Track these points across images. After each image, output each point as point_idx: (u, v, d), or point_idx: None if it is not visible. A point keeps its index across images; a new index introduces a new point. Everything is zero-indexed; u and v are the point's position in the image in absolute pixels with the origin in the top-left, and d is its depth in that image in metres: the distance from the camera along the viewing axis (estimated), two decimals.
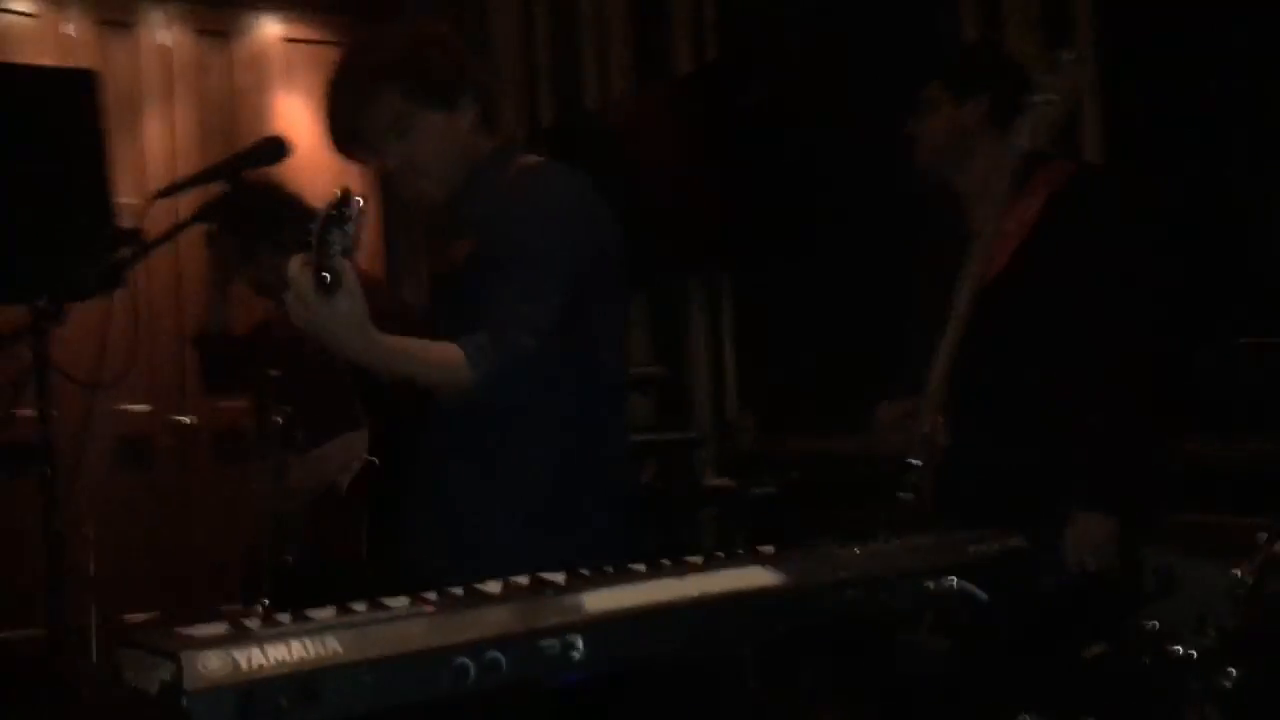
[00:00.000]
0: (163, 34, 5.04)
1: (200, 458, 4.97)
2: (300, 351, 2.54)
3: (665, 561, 1.20)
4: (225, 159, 2.06)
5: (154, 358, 4.67)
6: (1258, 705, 1.72)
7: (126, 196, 3.54)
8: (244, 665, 0.90)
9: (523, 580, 1.12)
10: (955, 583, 1.27)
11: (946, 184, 2.45)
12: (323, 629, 0.95)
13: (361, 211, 1.40)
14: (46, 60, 4.63)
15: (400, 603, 1.03)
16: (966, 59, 2.62)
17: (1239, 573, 1.78)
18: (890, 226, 3.27)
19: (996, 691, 2.02)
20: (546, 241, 1.90)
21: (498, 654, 1.00)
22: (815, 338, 3.98)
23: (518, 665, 1.01)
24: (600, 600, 1.08)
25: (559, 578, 1.13)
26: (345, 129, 1.99)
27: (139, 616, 4.51)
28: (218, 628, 0.95)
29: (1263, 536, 1.81)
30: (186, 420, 4.89)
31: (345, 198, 1.40)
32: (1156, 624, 1.82)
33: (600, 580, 1.13)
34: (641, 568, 1.17)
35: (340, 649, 0.94)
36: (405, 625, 0.99)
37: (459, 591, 1.08)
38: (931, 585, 1.28)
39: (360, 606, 1.02)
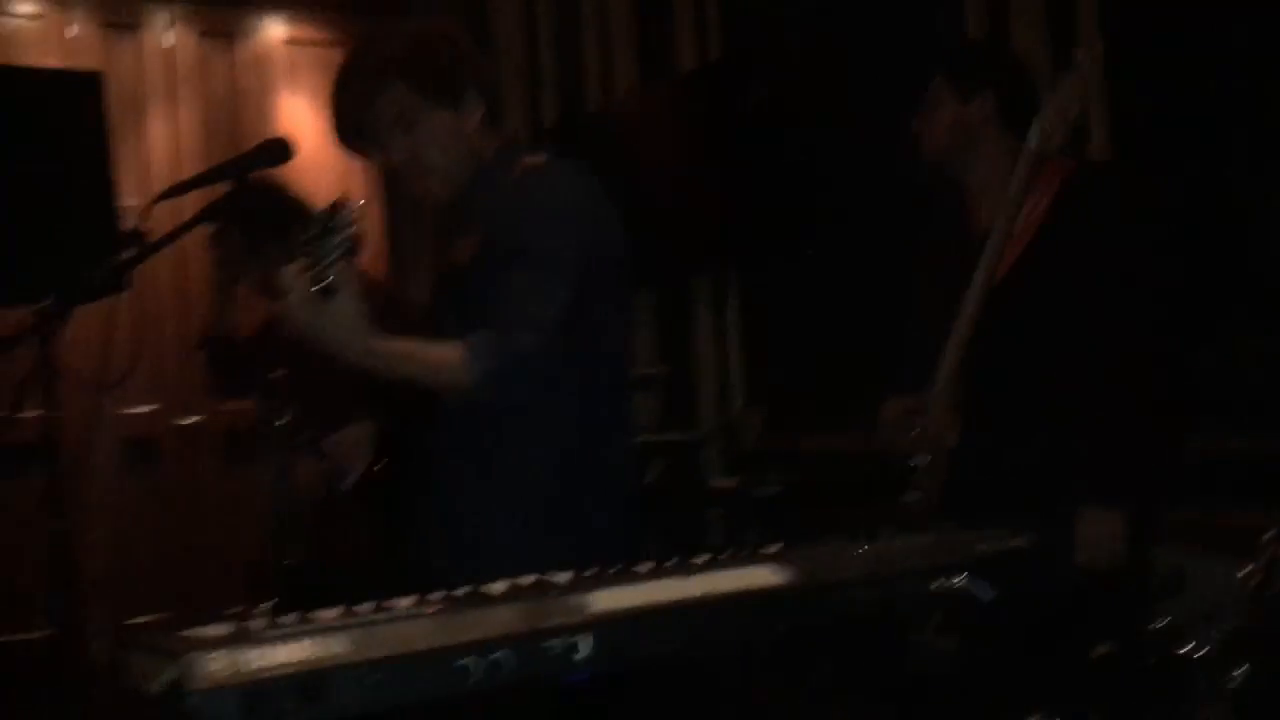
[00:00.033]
0: (166, 35, 5.04)
1: (206, 459, 4.97)
2: (305, 351, 2.54)
3: (669, 561, 1.19)
4: (229, 160, 2.06)
5: (159, 359, 4.67)
6: (1265, 704, 1.72)
7: (130, 198, 3.53)
8: (248, 666, 0.90)
9: (527, 581, 1.12)
10: (961, 581, 1.27)
11: (950, 181, 2.44)
12: (327, 629, 0.95)
13: (357, 218, 1.41)
14: (50, 62, 4.63)
15: (405, 603, 1.03)
16: (973, 56, 2.61)
17: (1245, 572, 1.78)
18: (893, 225, 3.27)
19: (1003, 691, 2.01)
20: (550, 241, 1.90)
21: (502, 654, 1.00)
22: (819, 336, 3.98)
23: (522, 665, 1.01)
24: (604, 600, 1.08)
25: (563, 578, 1.13)
26: (351, 122, 2.00)
27: (144, 618, 4.51)
28: (222, 629, 0.95)
29: (1269, 535, 1.81)
30: (192, 421, 4.89)
31: (339, 204, 1.41)
32: (1163, 623, 1.82)
33: (604, 580, 1.13)
34: (645, 568, 1.17)
35: (345, 649, 0.94)
36: (410, 626, 0.99)
37: (463, 592, 1.08)
38: (937, 584, 1.28)
39: (364, 607, 1.02)
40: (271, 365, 2.97)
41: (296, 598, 1.21)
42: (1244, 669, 1.70)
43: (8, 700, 3.77)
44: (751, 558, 1.22)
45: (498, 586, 1.10)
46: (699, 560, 1.20)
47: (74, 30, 4.82)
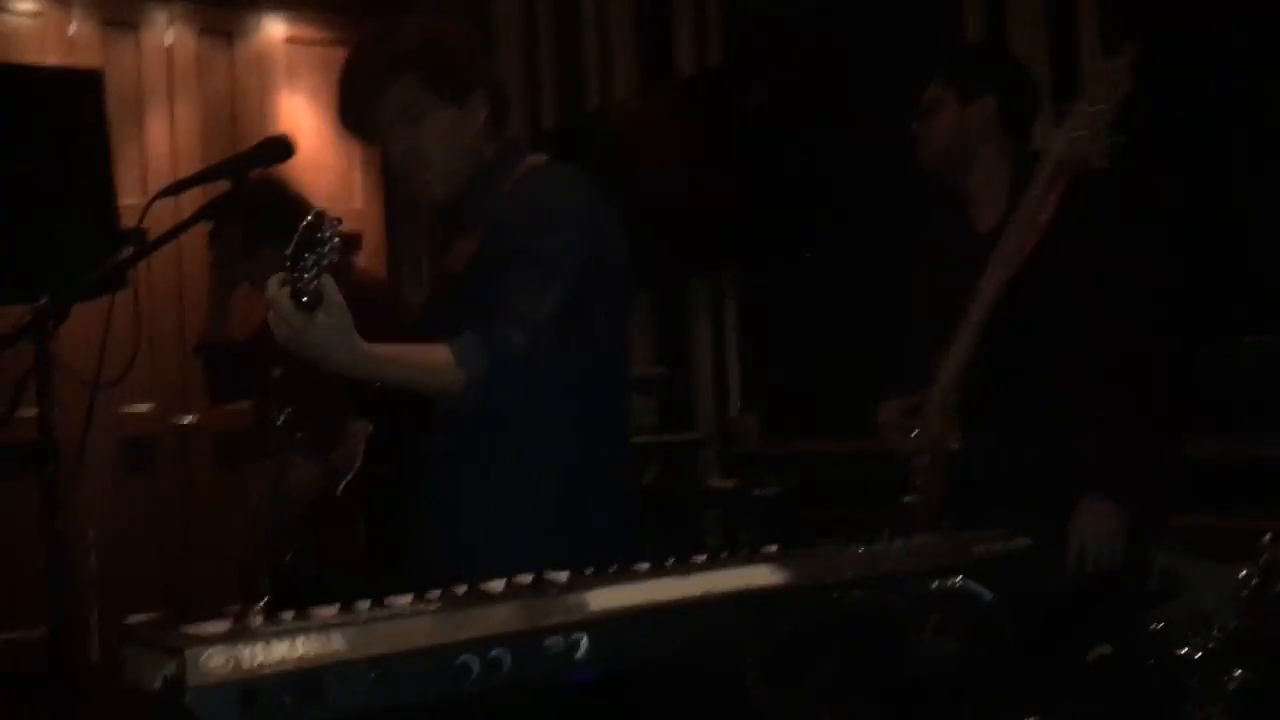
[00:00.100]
0: (166, 34, 5.04)
1: (203, 458, 4.97)
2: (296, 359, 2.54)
3: (669, 560, 1.19)
4: (229, 158, 2.06)
5: (156, 358, 4.66)
6: (1262, 706, 1.72)
7: (129, 197, 3.53)
8: (247, 662, 0.90)
9: (526, 579, 1.12)
10: (960, 583, 1.27)
11: (949, 184, 2.44)
12: (326, 626, 0.95)
13: (337, 231, 1.43)
14: (50, 60, 4.63)
15: (404, 600, 1.03)
16: (974, 58, 2.61)
17: (1243, 574, 1.78)
18: (892, 227, 3.27)
19: (1001, 692, 2.01)
20: (548, 242, 1.90)
21: (501, 652, 1.00)
22: (818, 338, 3.98)
23: (521, 663, 1.01)
24: (604, 599, 1.08)
25: (562, 576, 1.13)
26: (357, 109, 2.01)
27: (140, 617, 4.50)
28: (221, 625, 0.95)
29: (1267, 538, 1.81)
30: (189, 420, 4.88)
31: (320, 216, 1.42)
32: (1161, 625, 1.82)
33: (604, 579, 1.13)
34: (645, 567, 1.17)
35: (344, 646, 0.94)
36: (409, 623, 0.98)
37: (462, 590, 1.08)
38: (936, 585, 1.28)
39: (363, 604, 1.02)
40: (269, 365, 2.97)
41: (290, 597, 1.21)
42: (1241, 671, 1.70)
43: (4, 699, 3.77)
44: (750, 558, 1.22)
45: (496, 584, 1.10)
46: (698, 560, 1.20)
47: (73, 28, 4.82)
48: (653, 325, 4.66)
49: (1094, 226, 2.21)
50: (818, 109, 3.84)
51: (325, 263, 1.45)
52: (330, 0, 5.31)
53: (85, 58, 4.68)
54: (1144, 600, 2.14)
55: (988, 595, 1.29)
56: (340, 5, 5.26)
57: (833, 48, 3.87)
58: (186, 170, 2.55)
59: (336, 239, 1.44)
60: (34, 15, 4.77)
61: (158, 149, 4.95)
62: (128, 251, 2.11)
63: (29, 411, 2.08)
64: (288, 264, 1.47)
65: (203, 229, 2.82)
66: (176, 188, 2.04)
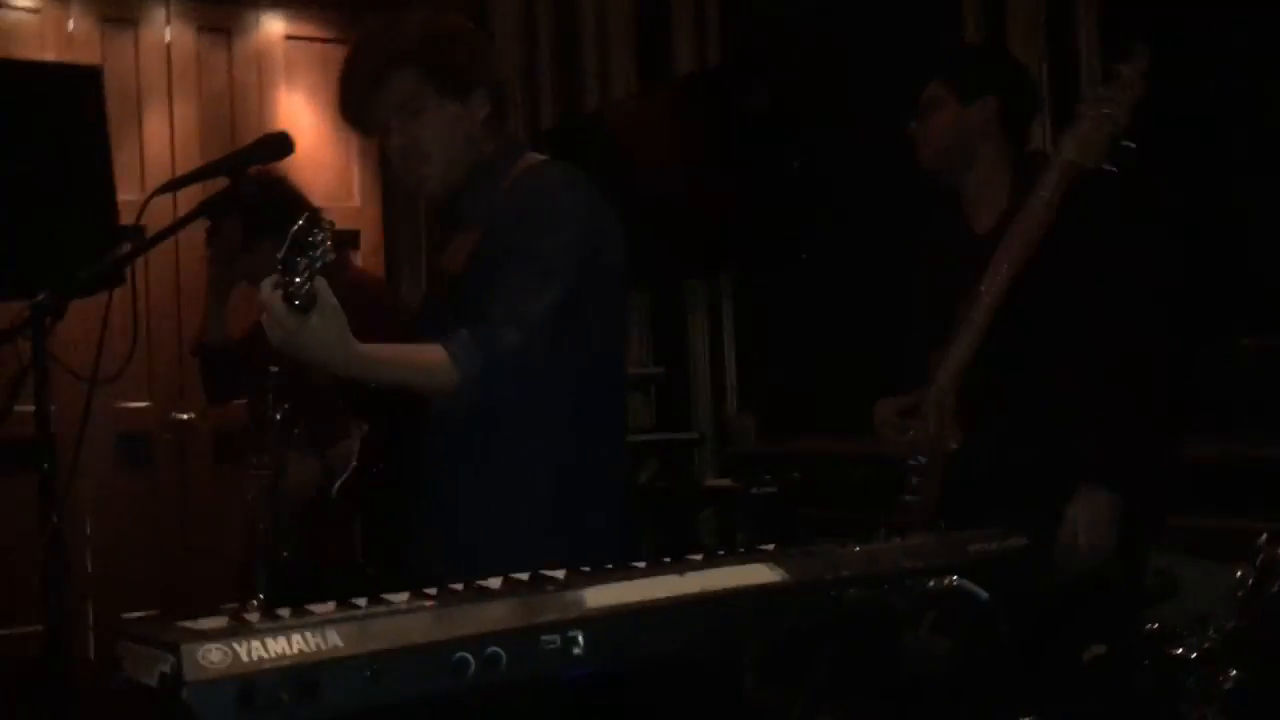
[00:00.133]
0: (165, 31, 5.03)
1: (200, 455, 4.96)
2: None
3: (666, 559, 1.19)
4: (227, 155, 2.06)
5: (154, 355, 4.66)
6: (1257, 707, 1.72)
7: (127, 193, 3.53)
8: (244, 658, 0.90)
9: (523, 576, 1.12)
10: (955, 582, 1.27)
11: (948, 184, 2.44)
12: (323, 623, 0.95)
13: (330, 233, 1.43)
14: (49, 56, 4.63)
15: (401, 597, 1.03)
16: (976, 59, 2.61)
17: (1239, 574, 1.78)
18: (890, 227, 3.27)
19: (997, 692, 2.01)
20: (544, 241, 1.90)
21: (498, 649, 1.00)
22: (816, 338, 3.98)
23: (518, 660, 1.01)
24: (601, 596, 1.08)
25: (560, 574, 1.13)
26: (357, 101, 2.01)
27: (136, 614, 4.50)
28: (218, 621, 0.95)
29: (1263, 538, 1.81)
30: (186, 417, 4.88)
31: (313, 219, 1.43)
32: (1157, 625, 1.82)
33: (601, 577, 1.13)
34: (642, 565, 1.17)
35: (341, 643, 0.94)
36: (406, 620, 0.98)
37: (459, 587, 1.08)
38: (932, 584, 1.28)
39: (361, 601, 1.02)
40: (266, 362, 2.96)
41: (288, 596, 1.21)
42: (1237, 672, 1.70)
43: (1, 696, 3.76)
44: (746, 556, 1.22)
45: (494, 582, 1.10)
46: (694, 558, 1.20)
47: (72, 24, 4.82)
48: (650, 324, 4.66)
49: (1094, 226, 2.20)
50: (817, 109, 3.84)
51: (318, 265, 1.46)
52: None
53: (84, 54, 4.68)
54: (1140, 600, 2.14)
55: (983, 595, 1.29)
56: (339, 3, 5.26)
57: (833, 48, 3.87)
58: (185, 167, 2.55)
59: (330, 241, 1.44)
60: (33, 11, 4.77)
61: (156, 145, 4.95)
62: (126, 248, 2.11)
63: (26, 407, 2.08)
64: (280, 266, 1.47)
65: (201, 226, 2.82)
66: (175, 184, 2.04)
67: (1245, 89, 2.80)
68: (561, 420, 1.96)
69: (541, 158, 2.08)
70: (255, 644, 0.90)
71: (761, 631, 1.23)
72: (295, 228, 1.43)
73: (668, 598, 1.12)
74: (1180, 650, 1.74)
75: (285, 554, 2.89)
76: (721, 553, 1.23)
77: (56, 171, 2.90)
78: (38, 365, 2.07)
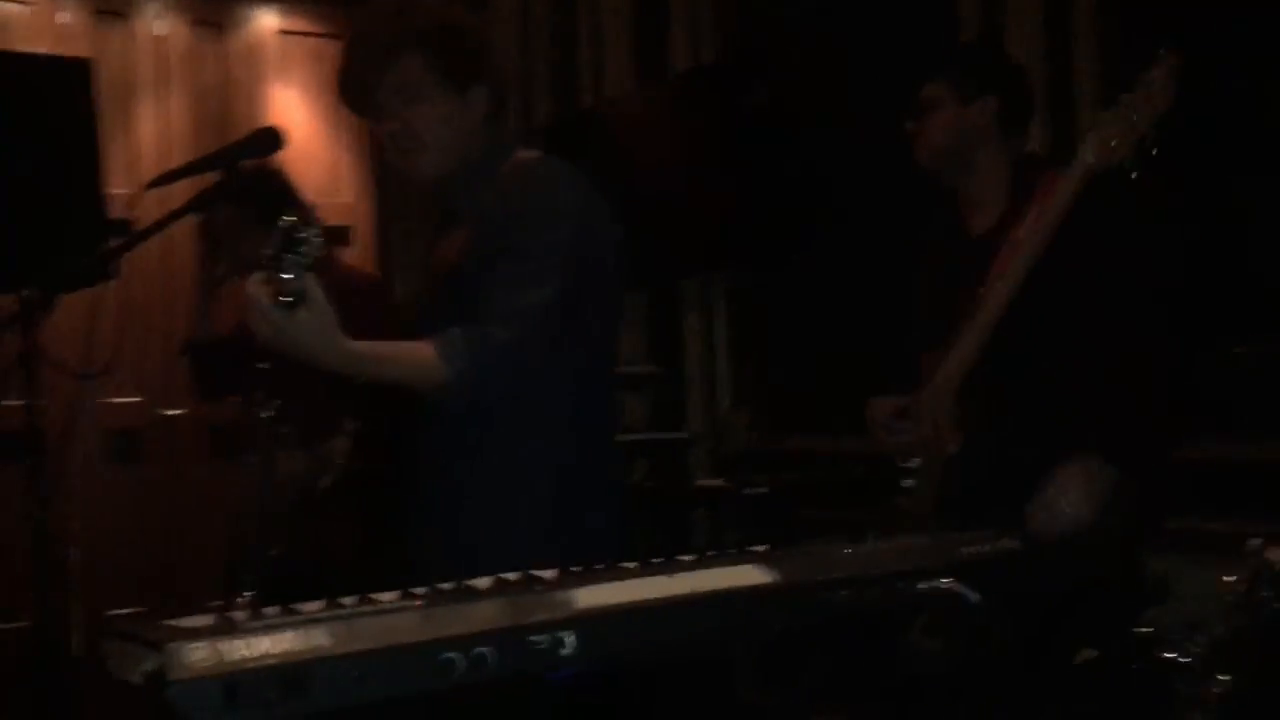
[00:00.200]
0: (158, 24, 5.01)
1: (190, 451, 4.94)
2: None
3: (656, 559, 1.19)
4: (219, 149, 2.05)
5: (144, 349, 4.64)
6: (1248, 712, 1.72)
7: (118, 187, 3.51)
8: (230, 656, 0.89)
9: (513, 576, 1.11)
10: (949, 583, 1.27)
11: (947, 184, 2.43)
12: (310, 621, 0.94)
13: (318, 229, 1.42)
14: (41, 49, 4.60)
15: (389, 597, 1.03)
16: (976, 59, 2.60)
17: (1231, 579, 1.78)
18: (888, 227, 3.27)
19: (989, 693, 2.01)
20: (537, 238, 1.89)
21: (486, 648, 0.99)
22: (812, 338, 3.98)
23: (506, 660, 1.00)
24: (590, 596, 1.07)
25: (549, 574, 1.12)
26: (357, 82, 2.00)
27: (125, 611, 4.49)
28: (204, 619, 0.94)
29: (1255, 543, 1.81)
30: (176, 413, 4.87)
31: (301, 215, 1.42)
32: (1148, 630, 1.82)
33: (591, 577, 1.12)
34: (632, 565, 1.17)
35: (328, 641, 0.93)
36: (394, 619, 0.98)
37: (448, 586, 1.07)
38: (924, 586, 1.27)
39: (349, 600, 1.01)
40: (257, 358, 2.95)
41: (279, 593, 1.21)
42: (1229, 676, 1.70)
43: None
44: (738, 557, 1.21)
45: (483, 581, 1.10)
46: (685, 559, 1.20)
47: (64, 17, 4.80)
48: (644, 323, 4.65)
49: (1096, 228, 2.19)
50: (815, 107, 3.84)
51: (306, 261, 1.45)
52: None
53: (75, 47, 4.65)
54: (1133, 603, 2.13)
55: (974, 596, 1.28)
56: None
57: (832, 48, 3.86)
58: (176, 161, 2.54)
59: (318, 237, 1.43)
60: (24, 3, 4.75)
61: (148, 140, 4.93)
62: (116, 242, 2.10)
63: (15, 401, 2.07)
64: (268, 262, 1.47)
65: (192, 220, 2.81)
66: (166, 179, 2.03)
67: (1245, 89, 2.80)
68: (561, 420, 1.95)
69: (534, 154, 2.07)
70: (241, 643, 0.90)
71: (753, 633, 1.23)
72: (283, 224, 1.42)
73: (658, 598, 1.11)
74: (1173, 654, 1.74)
75: (274, 551, 2.88)
76: (712, 553, 1.22)
77: (46, 165, 2.89)
78: (26, 360, 2.06)
